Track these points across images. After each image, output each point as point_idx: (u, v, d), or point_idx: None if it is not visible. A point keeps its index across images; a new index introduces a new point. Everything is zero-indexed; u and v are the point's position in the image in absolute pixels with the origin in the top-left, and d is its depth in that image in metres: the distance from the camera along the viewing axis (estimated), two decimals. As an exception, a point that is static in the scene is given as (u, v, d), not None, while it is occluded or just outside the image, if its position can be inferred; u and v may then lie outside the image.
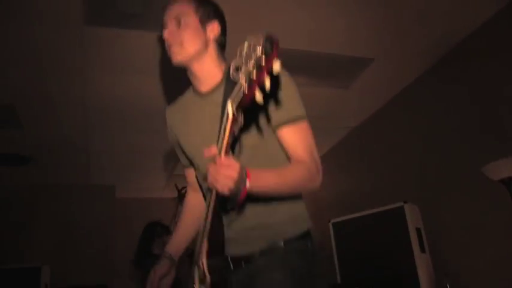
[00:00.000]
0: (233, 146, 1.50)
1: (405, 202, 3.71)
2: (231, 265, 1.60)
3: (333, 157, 5.49)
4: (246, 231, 1.58)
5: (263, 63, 1.08)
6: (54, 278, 4.52)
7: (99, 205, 6.16)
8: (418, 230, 3.66)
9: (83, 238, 5.85)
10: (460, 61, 3.60)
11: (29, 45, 3.21)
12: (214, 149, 1.27)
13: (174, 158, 5.46)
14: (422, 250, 3.64)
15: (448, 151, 3.68)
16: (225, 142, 1.25)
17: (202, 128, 1.64)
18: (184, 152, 1.80)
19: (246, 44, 1.13)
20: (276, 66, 1.09)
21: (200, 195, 1.83)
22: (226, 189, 1.24)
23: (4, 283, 4.14)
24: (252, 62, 1.10)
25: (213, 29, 1.65)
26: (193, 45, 1.60)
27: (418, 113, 4.03)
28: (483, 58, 3.38)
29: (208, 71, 1.65)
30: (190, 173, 1.88)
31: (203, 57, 1.64)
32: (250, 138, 1.56)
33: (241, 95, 1.15)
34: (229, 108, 1.20)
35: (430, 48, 3.63)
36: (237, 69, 1.15)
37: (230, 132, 1.24)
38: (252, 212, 1.56)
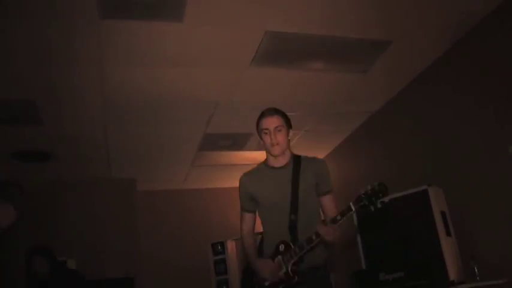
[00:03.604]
0: (296, 204, 2.58)
1: (429, 185, 3.66)
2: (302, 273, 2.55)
3: (354, 142, 5.45)
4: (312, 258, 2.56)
5: (376, 195, 2.37)
6: (80, 272, 4.57)
7: (121, 198, 6.20)
8: (443, 213, 3.62)
9: (107, 231, 5.90)
10: (481, 38, 3.52)
11: (47, 41, 3.22)
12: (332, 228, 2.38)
13: (194, 149, 5.48)
14: (448, 233, 3.60)
15: (473, 131, 3.62)
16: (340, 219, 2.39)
17: (277, 189, 2.62)
18: (258, 203, 2.71)
19: (368, 187, 2.39)
20: (379, 204, 2.36)
21: (252, 232, 2.82)
22: (334, 241, 2.39)
23: (32, 277, 4.19)
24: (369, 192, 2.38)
25: (291, 134, 2.68)
26: (285, 145, 2.62)
27: (440, 94, 3.96)
28: (505, 34, 3.30)
29: (285, 156, 2.66)
30: (252, 218, 2.80)
31: (285, 150, 2.66)
32: (307, 201, 2.63)
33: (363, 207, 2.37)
34: (352, 206, 2.39)
35: (449, 27, 3.56)
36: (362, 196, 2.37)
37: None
38: (318, 249, 2.53)
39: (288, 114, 2.67)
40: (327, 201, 2.67)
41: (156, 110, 4.41)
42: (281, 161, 2.67)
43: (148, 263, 6.15)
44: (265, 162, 2.75)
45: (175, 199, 6.91)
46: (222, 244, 6.30)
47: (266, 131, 2.61)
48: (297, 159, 2.70)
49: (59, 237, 5.51)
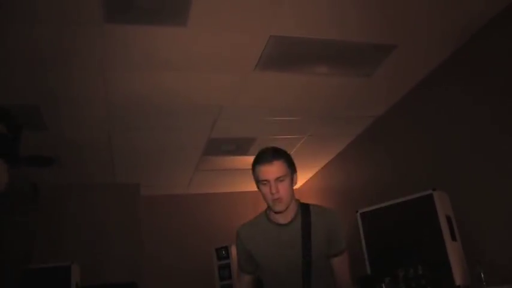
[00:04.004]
0: (309, 270, 2.19)
1: (434, 189, 3.64)
2: None
3: (358, 146, 5.43)
4: None
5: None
6: (84, 277, 4.57)
7: (124, 203, 6.20)
8: (448, 217, 3.59)
9: (110, 236, 5.90)
10: (486, 41, 3.50)
11: (51, 46, 3.22)
12: None
13: (198, 154, 5.48)
14: (454, 238, 3.57)
15: (478, 135, 3.60)
16: None
17: (284, 253, 2.23)
18: (259, 266, 2.33)
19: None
20: None
21: None
22: None
23: (36, 282, 4.19)
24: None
25: (296, 179, 2.28)
26: (290, 197, 2.20)
27: (444, 98, 3.95)
28: (510, 37, 3.28)
29: (290, 209, 2.25)
30: (251, 281, 2.44)
31: (293, 207, 2.27)
32: (321, 265, 2.27)
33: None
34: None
35: (454, 31, 3.54)
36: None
37: None
38: None
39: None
40: (340, 264, 2.32)
41: (159, 115, 4.41)
42: (286, 217, 2.25)
43: (152, 267, 6.15)
44: (266, 216, 2.32)
45: (179, 204, 6.91)
46: (227, 249, 6.30)
47: (265, 182, 2.17)
48: (305, 212, 2.28)
49: (62, 241, 5.51)
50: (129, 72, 3.66)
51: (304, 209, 2.29)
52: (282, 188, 2.14)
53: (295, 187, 2.28)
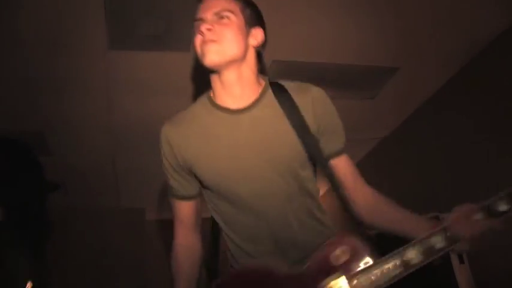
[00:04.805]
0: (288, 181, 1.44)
1: (440, 212, 3.60)
2: None
3: (361, 169, 5.35)
4: None
5: None
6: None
7: (130, 228, 6.17)
8: (455, 240, 3.55)
9: (116, 261, 5.85)
10: (490, 62, 3.50)
11: (55, 72, 3.25)
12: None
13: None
14: (461, 261, 3.52)
15: (484, 157, 3.57)
16: None
17: (237, 150, 1.41)
18: (199, 178, 1.50)
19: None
20: None
21: (193, 233, 1.60)
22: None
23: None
24: None
25: (257, 35, 1.47)
26: (234, 46, 1.40)
27: (449, 119, 3.93)
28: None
29: (246, 84, 1.45)
30: (187, 207, 1.58)
31: (241, 66, 1.44)
32: (303, 174, 1.48)
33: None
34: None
35: (456, 52, 3.56)
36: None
37: None
38: None
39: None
40: (346, 166, 1.57)
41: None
42: (243, 97, 1.44)
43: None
44: (209, 98, 1.53)
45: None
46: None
47: (198, 22, 1.42)
48: (278, 88, 1.47)
49: (66, 266, 5.47)
50: (133, 97, 3.67)
51: (276, 85, 1.48)
52: (221, 28, 1.37)
53: None
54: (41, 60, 3.10)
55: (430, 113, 4.19)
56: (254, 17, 1.47)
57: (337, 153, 1.55)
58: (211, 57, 1.39)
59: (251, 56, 1.47)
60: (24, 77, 3.26)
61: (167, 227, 7.05)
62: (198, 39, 1.41)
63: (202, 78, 3.47)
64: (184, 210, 1.58)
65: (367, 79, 3.79)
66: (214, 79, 1.48)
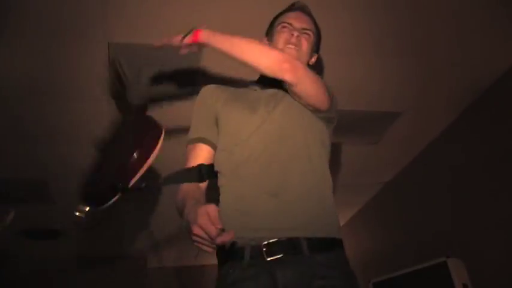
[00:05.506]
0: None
1: (448, 256, 3.54)
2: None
3: (367, 214, 5.36)
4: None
5: None
6: None
7: (132, 276, 6.10)
8: (465, 286, 3.47)
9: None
10: (494, 103, 3.51)
11: (60, 121, 3.29)
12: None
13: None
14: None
15: (491, 201, 3.53)
16: None
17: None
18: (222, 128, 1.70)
19: None
20: None
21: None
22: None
23: None
24: None
25: (314, 58, 1.83)
26: (305, 58, 1.74)
27: (453, 161, 3.92)
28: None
29: None
30: (206, 151, 1.72)
31: None
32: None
33: None
34: None
35: (459, 96, 3.58)
36: None
37: None
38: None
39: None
40: None
41: (166, 188, 4.39)
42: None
43: None
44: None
45: (186, 275, 6.78)
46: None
47: (286, 25, 1.74)
48: None
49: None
50: (136, 145, 3.68)
51: None
52: (305, 41, 1.72)
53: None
54: (46, 109, 3.14)
55: (435, 156, 4.18)
56: (318, 43, 1.84)
57: None
58: (290, 56, 1.59)
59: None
60: (28, 125, 3.29)
61: (168, 274, 7.03)
62: (284, 37, 1.72)
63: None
64: (204, 153, 1.71)
65: (370, 125, 3.81)
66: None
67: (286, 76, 1.50)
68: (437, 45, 3.01)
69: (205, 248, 1.22)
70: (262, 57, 1.52)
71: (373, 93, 3.43)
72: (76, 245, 5.56)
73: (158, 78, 2.91)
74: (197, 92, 1.84)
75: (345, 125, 3.78)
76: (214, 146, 1.70)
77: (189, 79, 2.98)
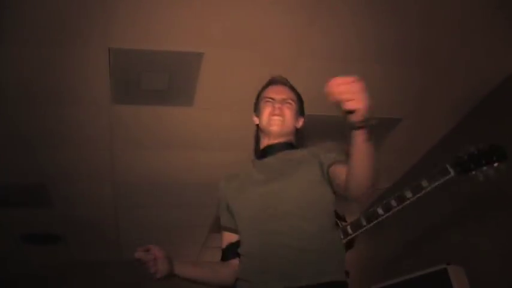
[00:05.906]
0: None
1: (448, 264, 3.53)
2: None
3: (367, 220, 5.34)
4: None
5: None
6: None
7: (131, 281, 6.08)
8: (465, 293, 3.46)
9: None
10: (491, 113, 3.52)
11: (58, 125, 3.28)
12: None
13: (205, 231, 5.40)
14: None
15: (491, 208, 3.53)
16: None
17: (265, 183, 1.81)
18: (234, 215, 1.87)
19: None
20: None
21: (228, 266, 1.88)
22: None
23: None
24: None
25: (300, 121, 2.01)
26: (291, 124, 1.92)
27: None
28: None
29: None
30: (228, 238, 1.92)
31: (289, 139, 1.95)
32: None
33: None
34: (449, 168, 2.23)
35: (458, 103, 3.58)
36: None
37: None
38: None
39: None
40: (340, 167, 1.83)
41: (166, 192, 4.39)
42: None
43: None
44: (253, 161, 2.00)
45: (185, 283, 6.76)
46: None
47: (269, 100, 1.92)
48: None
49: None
50: (136, 151, 3.69)
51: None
52: (287, 110, 1.89)
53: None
54: (45, 113, 3.14)
55: (434, 163, 4.16)
56: (302, 107, 2.02)
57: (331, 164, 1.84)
58: (277, 128, 1.88)
59: (293, 131, 1.98)
60: (26, 129, 3.29)
61: (168, 279, 6.96)
62: (268, 110, 1.89)
63: (204, 132, 3.52)
64: (227, 238, 1.92)
65: (368, 130, 3.80)
66: (265, 139, 1.95)
67: (362, 199, 1.71)
68: (437, 53, 3.02)
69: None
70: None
71: (373, 99, 3.42)
72: (76, 249, 5.55)
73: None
74: None
75: (343, 131, 3.77)
76: (233, 230, 1.90)
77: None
